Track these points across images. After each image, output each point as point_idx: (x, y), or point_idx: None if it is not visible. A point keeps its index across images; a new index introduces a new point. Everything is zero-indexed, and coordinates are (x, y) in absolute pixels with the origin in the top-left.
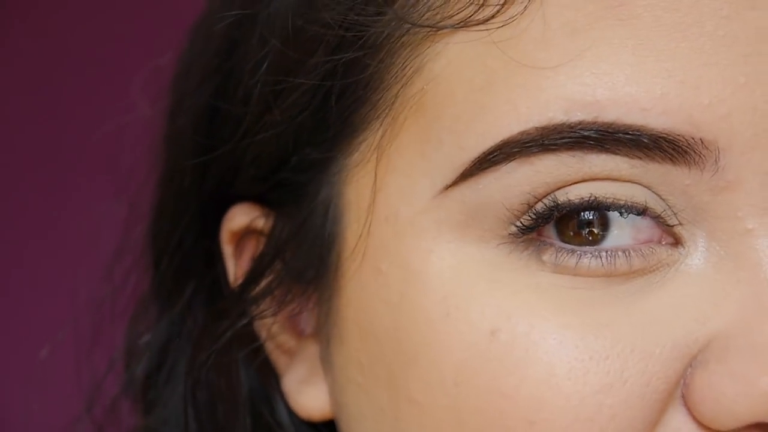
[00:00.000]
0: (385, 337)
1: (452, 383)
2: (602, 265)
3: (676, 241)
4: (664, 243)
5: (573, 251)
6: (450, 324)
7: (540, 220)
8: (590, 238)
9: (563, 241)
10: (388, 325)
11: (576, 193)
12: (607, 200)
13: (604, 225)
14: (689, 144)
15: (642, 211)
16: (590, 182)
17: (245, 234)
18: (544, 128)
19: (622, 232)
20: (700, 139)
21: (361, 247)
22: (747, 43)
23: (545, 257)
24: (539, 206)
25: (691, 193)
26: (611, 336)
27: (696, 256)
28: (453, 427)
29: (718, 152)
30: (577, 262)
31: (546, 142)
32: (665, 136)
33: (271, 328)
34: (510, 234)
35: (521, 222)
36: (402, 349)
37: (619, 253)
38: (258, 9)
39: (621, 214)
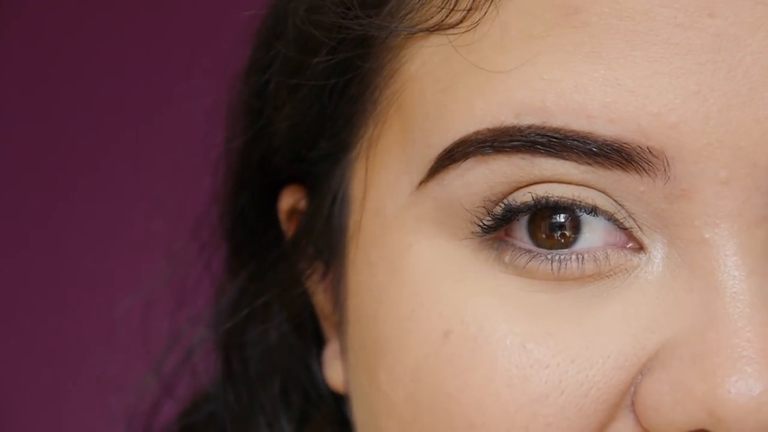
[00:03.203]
0: (369, 326)
1: (410, 379)
2: (552, 269)
3: (639, 246)
4: (628, 247)
5: (528, 252)
6: (413, 321)
7: (502, 222)
8: (562, 240)
9: (536, 243)
10: (371, 315)
11: (528, 195)
12: (555, 199)
13: (575, 227)
14: (637, 152)
15: (592, 210)
16: (543, 184)
17: (293, 213)
18: (495, 130)
19: (593, 235)
20: (648, 148)
21: (356, 238)
22: (702, 51)
23: (506, 258)
24: (497, 210)
25: (647, 199)
26: (554, 345)
27: (656, 262)
28: (411, 420)
29: (667, 161)
30: (527, 264)
31: (497, 144)
32: (612, 143)
33: (318, 299)
34: (474, 232)
35: (483, 222)
36: (378, 339)
37: (573, 257)
38: (280, 10)
39: (573, 211)
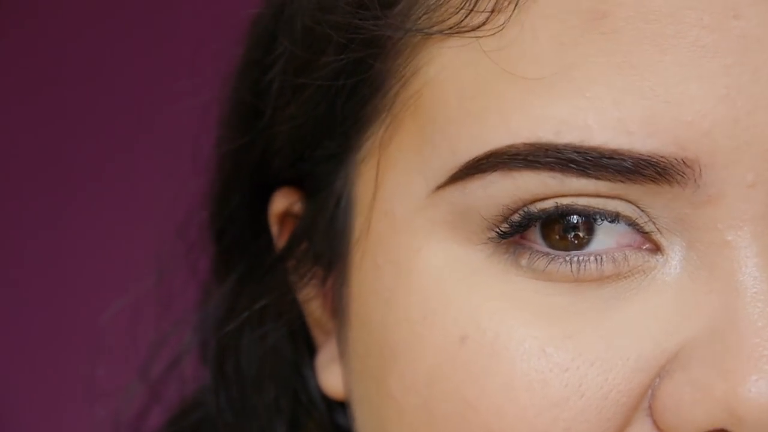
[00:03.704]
0: (375, 331)
1: (424, 385)
2: (571, 270)
3: (656, 248)
4: (644, 248)
5: (546, 255)
6: (426, 327)
7: (518, 228)
8: (576, 242)
9: (549, 245)
10: (378, 320)
11: (552, 203)
12: (579, 209)
13: (589, 229)
14: (672, 164)
15: (615, 218)
16: (568, 196)
17: (286, 216)
18: (531, 145)
19: (606, 236)
20: (683, 160)
21: (363, 241)
22: (729, 53)
23: (523, 261)
24: (515, 217)
25: (672, 206)
26: (573, 348)
27: (674, 264)
28: (425, 427)
29: (700, 170)
30: (546, 267)
31: (530, 158)
32: (648, 158)
33: (312, 306)
34: (490, 238)
35: (500, 229)
36: (387, 345)
37: (591, 258)
38: (283, 8)
39: (595, 221)
